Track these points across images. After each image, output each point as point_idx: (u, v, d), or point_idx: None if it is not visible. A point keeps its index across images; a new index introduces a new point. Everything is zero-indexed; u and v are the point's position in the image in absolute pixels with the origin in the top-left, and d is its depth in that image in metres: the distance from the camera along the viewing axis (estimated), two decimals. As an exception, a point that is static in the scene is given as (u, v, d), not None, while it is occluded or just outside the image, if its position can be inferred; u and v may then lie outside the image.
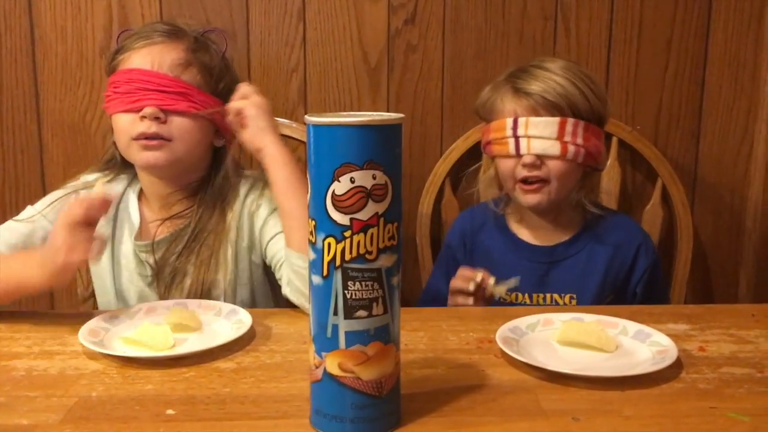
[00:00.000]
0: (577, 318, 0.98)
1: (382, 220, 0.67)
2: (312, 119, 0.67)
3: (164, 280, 1.20)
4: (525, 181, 1.26)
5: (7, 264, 1.04)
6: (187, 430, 0.72)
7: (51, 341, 0.95)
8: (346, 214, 0.66)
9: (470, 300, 1.19)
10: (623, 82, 1.66)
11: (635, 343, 0.93)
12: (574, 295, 1.30)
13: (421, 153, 1.67)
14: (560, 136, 1.22)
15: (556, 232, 1.34)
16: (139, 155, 1.17)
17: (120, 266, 1.24)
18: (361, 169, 0.66)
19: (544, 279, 1.32)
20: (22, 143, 1.66)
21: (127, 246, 1.24)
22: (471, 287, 1.18)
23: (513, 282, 1.19)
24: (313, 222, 0.68)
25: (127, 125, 1.16)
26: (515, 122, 1.24)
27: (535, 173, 1.25)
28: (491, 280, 1.19)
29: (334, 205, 0.66)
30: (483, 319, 1.03)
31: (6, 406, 0.77)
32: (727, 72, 1.65)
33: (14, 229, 1.17)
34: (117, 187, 1.26)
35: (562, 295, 1.30)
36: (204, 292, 1.17)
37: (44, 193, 1.28)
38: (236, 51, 1.62)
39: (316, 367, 0.70)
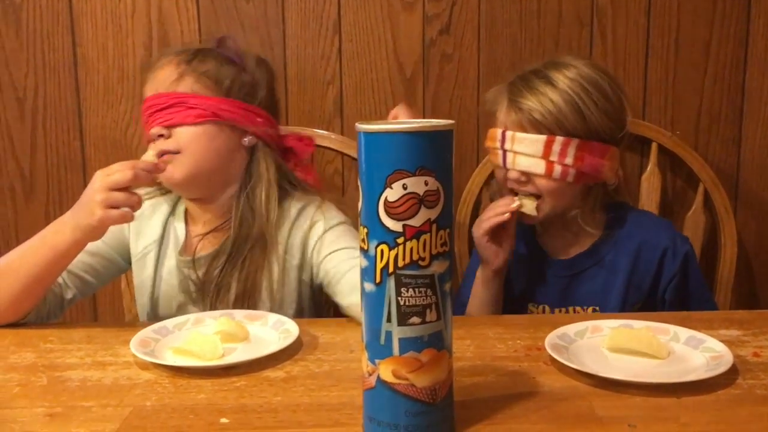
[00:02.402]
0: (627, 324, 0.97)
1: (434, 226, 0.67)
2: (363, 127, 0.67)
3: (208, 295, 1.20)
4: (516, 194, 1.25)
5: (41, 235, 1.08)
6: (242, 438, 0.73)
7: (103, 352, 0.96)
8: (398, 220, 0.66)
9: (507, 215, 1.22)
10: (661, 87, 1.64)
11: (688, 349, 0.91)
12: (597, 308, 1.26)
13: (458, 162, 1.65)
14: (546, 155, 1.20)
15: (574, 243, 1.31)
16: (160, 177, 1.17)
17: (162, 281, 1.24)
18: (414, 175, 0.66)
19: (565, 292, 1.29)
20: (65, 159, 1.69)
21: (171, 261, 1.24)
22: (514, 205, 1.22)
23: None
24: (366, 229, 0.68)
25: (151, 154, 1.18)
26: (503, 135, 1.24)
27: (523, 189, 1.24)
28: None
29: (386, 211, 0.67)
30: (528, 327, 1.03)
31: (63, 416, 0.78)
32: (768, 76, 1.63)
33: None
34: (164, 205, 1.27)
35: (585, 308, 1.27)
36: (249, 307, 1.16)
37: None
38: (273, 64, 1.63)
39: (370, 375, 0.70)
